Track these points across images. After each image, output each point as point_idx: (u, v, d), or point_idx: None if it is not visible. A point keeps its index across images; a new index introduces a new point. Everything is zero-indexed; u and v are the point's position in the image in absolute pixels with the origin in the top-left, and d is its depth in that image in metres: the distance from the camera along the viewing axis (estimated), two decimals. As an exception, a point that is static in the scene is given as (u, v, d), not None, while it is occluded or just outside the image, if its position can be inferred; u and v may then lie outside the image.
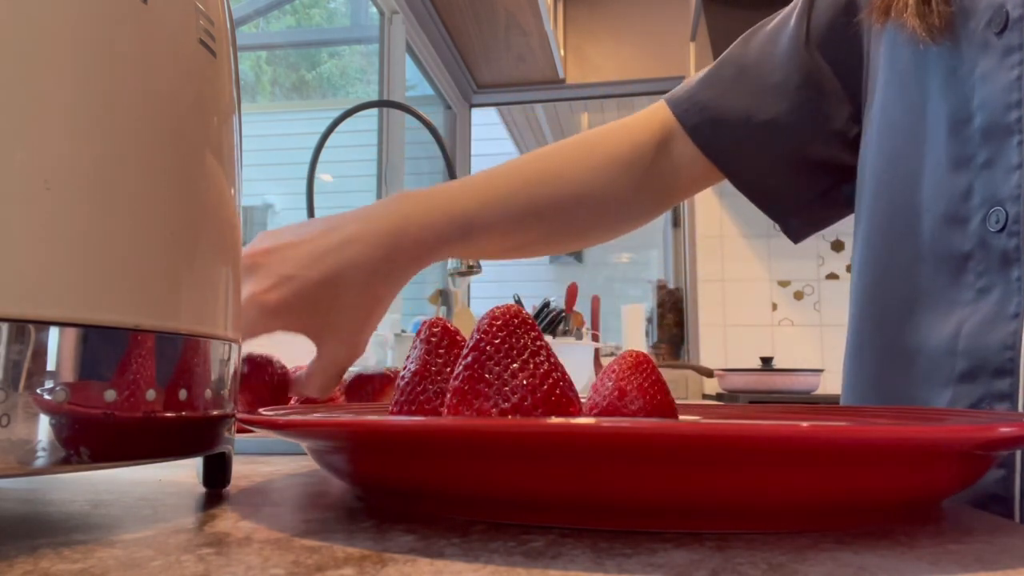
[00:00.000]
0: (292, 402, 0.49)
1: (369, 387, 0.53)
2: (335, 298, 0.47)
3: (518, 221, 0.57)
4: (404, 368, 0.34)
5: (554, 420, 0.24)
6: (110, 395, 0.24)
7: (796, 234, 0.63)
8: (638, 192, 0.62)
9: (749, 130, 0.59)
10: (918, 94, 0.49)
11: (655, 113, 0.63)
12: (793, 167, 0.60)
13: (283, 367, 0.49)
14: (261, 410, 0.35)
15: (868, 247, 0.53)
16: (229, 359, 0.31)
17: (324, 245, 0.48)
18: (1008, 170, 0.42)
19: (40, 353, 0.22)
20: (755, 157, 0.60)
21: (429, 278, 2.78)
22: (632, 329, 2.43)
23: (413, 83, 2.43)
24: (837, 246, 2.28)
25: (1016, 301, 0.41)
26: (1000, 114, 0.43)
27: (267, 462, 0.43)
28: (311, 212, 1.13)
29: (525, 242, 0.59)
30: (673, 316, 2.70)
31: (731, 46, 0.63)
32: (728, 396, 1.95)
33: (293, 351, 0.65)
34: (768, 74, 0.59)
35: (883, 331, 0.50)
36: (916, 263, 0.48)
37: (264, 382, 0.48)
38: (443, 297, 1.48)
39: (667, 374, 1.96)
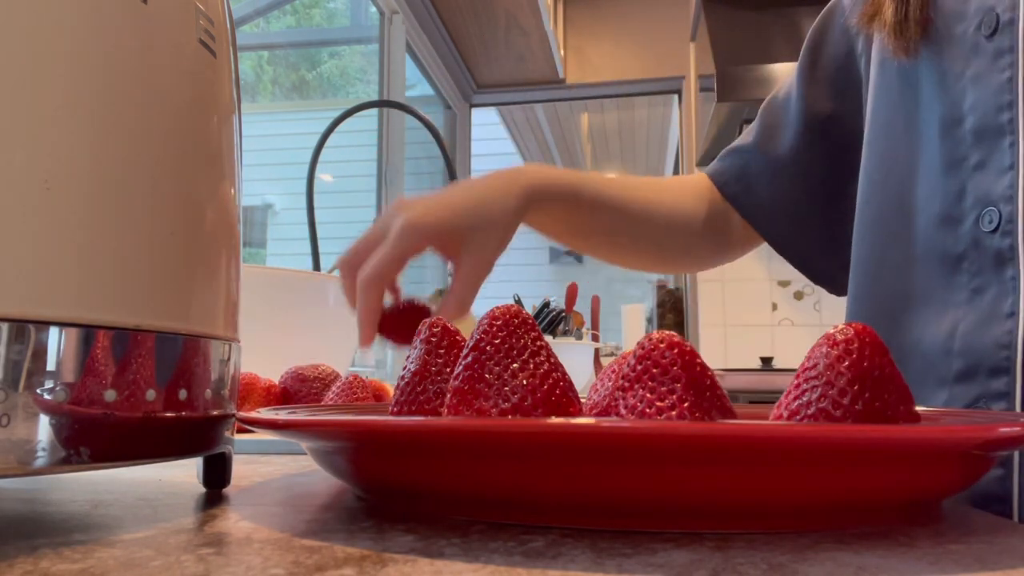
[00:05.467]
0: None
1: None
2: (479, 222, 0.52)
3: (613, 208, 0.61)
4: (404, 368, 0.34)
5: (554, 420, 0.24)
6: (110, 395, 0.24)
7: (838, 286, 0.63)
8: (702, 238, 0.66)
9: (767, 177, 0.63)
10: (910, 96, 0.49)
11: (702, 180, 0.67)
12: (817, 213, 0.62)
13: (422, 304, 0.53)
14: (261, 410, 0.35)
15: (861, 247, 0.54)
16: (229, 359, 0.31)
17: (465, 187, 0.53)
18: (1000, 171, 0.42)
19: (40, 353, 0.22)
20: (778, 204, 0.63)
21: (429, 278, 2.77)
22: (632, 329, 2.43)
23: (413, 83, 2.43)
24: (837, 246, 2.28)
25: (1011, 300, 0.41)
26: (992, 116, 0.43)
27: (267, 462, 0.43)
28: (311, 212, 1.13)
29: (608, 229, 0.63)
30: (673, 316, 2.70)
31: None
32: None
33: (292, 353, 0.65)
34: (780, 127, 0.63)
35: (877, 331, 0.50)
36: (910, 264, 0.48)
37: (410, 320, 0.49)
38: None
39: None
